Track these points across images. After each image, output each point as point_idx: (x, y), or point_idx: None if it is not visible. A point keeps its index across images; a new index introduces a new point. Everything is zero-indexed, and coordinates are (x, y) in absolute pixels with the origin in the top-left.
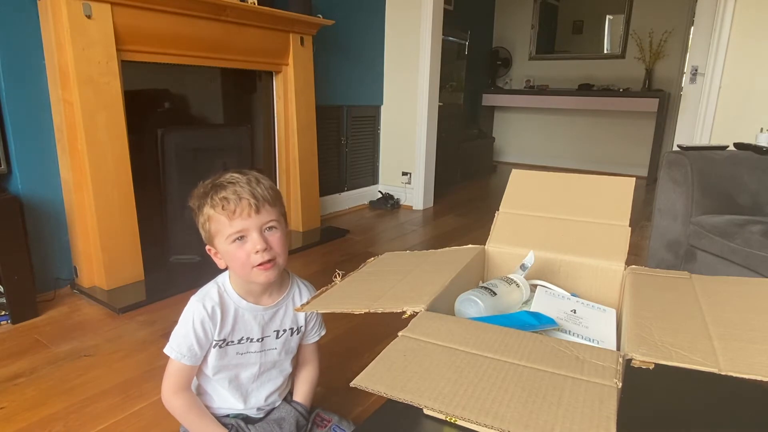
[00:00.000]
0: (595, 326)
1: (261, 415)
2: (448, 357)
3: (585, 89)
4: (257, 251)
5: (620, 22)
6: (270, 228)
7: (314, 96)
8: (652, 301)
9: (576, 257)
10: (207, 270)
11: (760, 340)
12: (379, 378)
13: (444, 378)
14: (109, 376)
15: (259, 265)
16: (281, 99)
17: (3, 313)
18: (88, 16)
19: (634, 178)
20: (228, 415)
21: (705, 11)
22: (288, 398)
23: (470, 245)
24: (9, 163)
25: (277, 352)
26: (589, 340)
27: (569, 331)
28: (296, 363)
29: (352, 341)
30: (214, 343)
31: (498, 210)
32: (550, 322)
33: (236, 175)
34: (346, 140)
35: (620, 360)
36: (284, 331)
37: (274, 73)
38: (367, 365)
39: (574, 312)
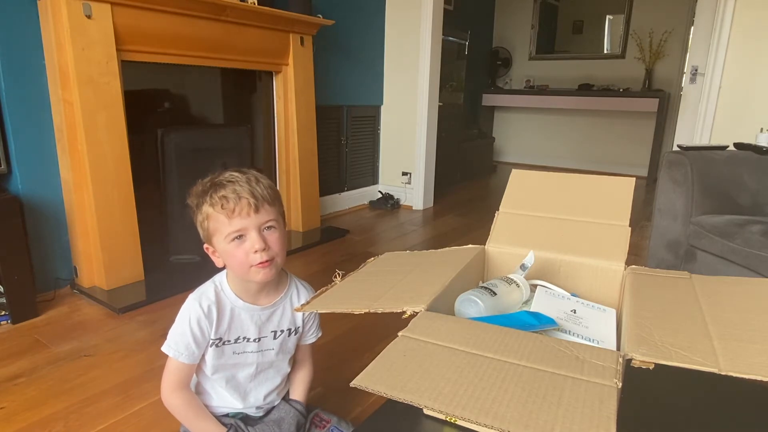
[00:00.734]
0: (595, 326)
1: (260, 414)
2: (448, 357)
3: (585, 89)
4: (256, 251)
5: (620, 22)
6: (269, 227)
7: (314, 96)
8: (652, 301)
9: (576, 257)
10: (207, 270)
11: (760, 340)
12: (379, 378)
13: (444, 378)
14: (109, 376)
15: (257, 264)
16: (281, 99)
17: (3, 313)
18: (88, 16)
19: (634, 178)
20: (227, 414)
21: (705, 11)
22: (286, 397)
23: (470, 245)
24: (9, 163)
25: (274, 353)
26: (589, 340)
27: (569, 331)
28: (293, 363)
29: (352, 341)
30: (211, 341)
31: (498, 210)
32: (550, 322)
33: (236, 173)
34: (346, 140)
35: (620, 360)
36: (281, 331)
37: (274, 73)
38: (367, 365)
39: (574, 312)
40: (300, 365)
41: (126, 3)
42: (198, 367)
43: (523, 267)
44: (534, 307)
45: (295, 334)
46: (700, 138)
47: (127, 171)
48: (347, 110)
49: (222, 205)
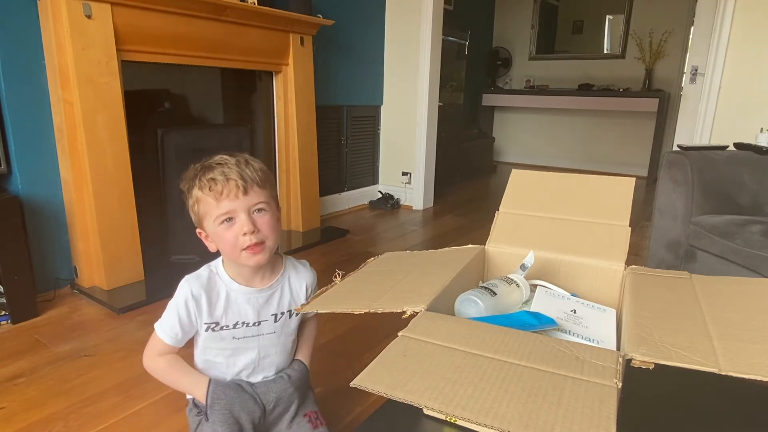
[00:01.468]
0: (595, 326)
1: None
2: (448, 357)
3: (585, 89)
4: (245, 233)
5: (620, 22)
6: (259, 210)
7: (314, 96)
8: (652, 301)
9: (576, 257)
10: None
11: (760, 340)
12: (379, 378)
13: (444, 378)
14: (109, 376)
15: (248, 248)
16: (281, 99)
17: (3, 313)
18: (88, 16)
19: (634, 178)
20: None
21: (705, 11)
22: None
23: (470, 245)
24: (9, 163)
25: (275, 336)
26: (589, 340)
27: (569, 331)
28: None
29: (352, 341)
30: (205, 326)
31: (498, 210)
32: (550, 322)
33: (225, 156)
34: (346, 140)
35: (620, 360)
36: (282, 314)
37: (274, 73)
38: (367, 365)
39: (574, 312)
40: (303, 325)
41: (126, 3)
42: (200, 354)
43: (523, 267)
44: (534, 307)
45: (297, 315)
46: (700, 138)
47: (127, 171)
48: (347, 110)
49: (210, 187)
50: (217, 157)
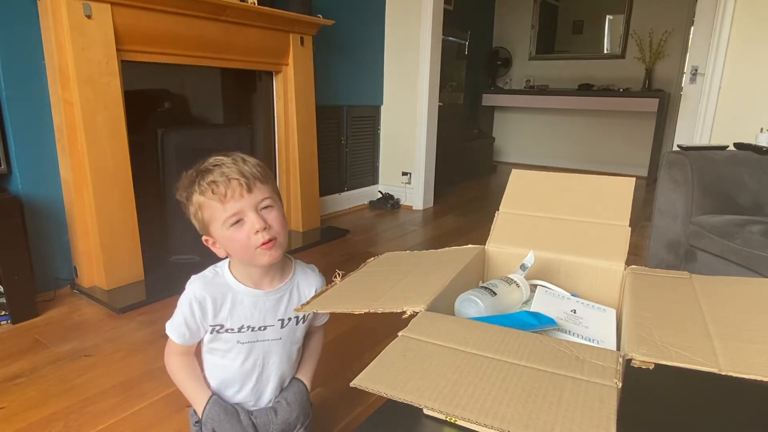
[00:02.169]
0: (595, 326)
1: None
2: (448, 357)
3: (585, 89)
4: (257, 231)
5: (620, 22)
6: (265, 207)
7: (314, 96)
8: (652, 301)
9: (576, 257)
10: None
11: (760, 340)
12: (379, 378)
13: (444, 378)
14: (109, 376)
15: (261, 245)
16: (281, 99)
17: (3, 313)
18: (88, 16)
19: (634, 178)
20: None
21: (705, 11)
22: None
23: (470, 245)
24: (9, 163)
25: (281, 343)
26: (589, 340)
27: (569, 331)
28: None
29: (352, 341)
30: (210, 328)
31: (498, 210)
32: (550, 322)
33: (220, 157)
34: (346, 140)
35: (620, 360)
36: (289, 319)
37: (274, 73)
38: (367, 365)
39: (574, 312)
40: (309, 337)
41: (126, 3)
42: (205, 355)
43: (523, 267)
44: (534, 307)
45: (304, 323)
46: (700, 138)
47: (127, 171)
48: (347, 110)
49: (212, 191)
50: (212, 159)
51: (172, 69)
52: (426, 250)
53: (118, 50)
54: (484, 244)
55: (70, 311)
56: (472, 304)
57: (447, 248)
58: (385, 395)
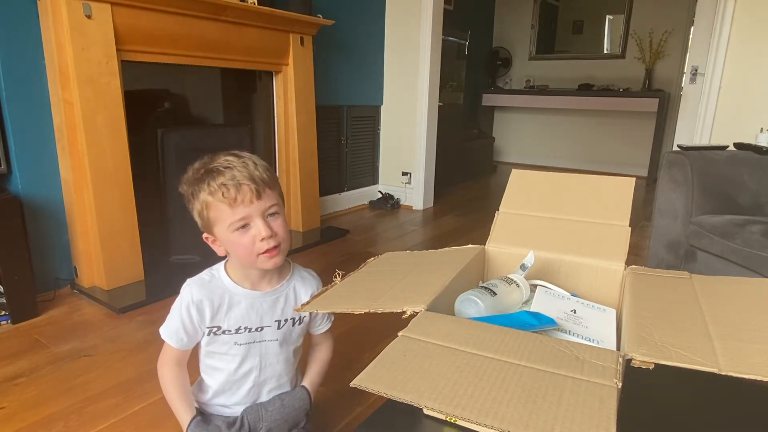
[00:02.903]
0: (595, 326)
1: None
2: (448, 357)
3: (585, 89)
4: (263, 238)
5: (620, 22)
6: (272, 213)
7: (314, 96)
8: (652, 301)
9: (576, 257)
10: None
11: (760, 340)
12: (379, 378)
13: (444, 378)
14: (109, 376)
15: (265, 252)
16: (281, 99)
17: (3, 313)
18: (88, 16)
19: (634, 178)
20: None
21: (705, 11)
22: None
23: (470, 245)
24: (9, 163)
25: (278, 344)
26: (589, 340)
27: (569, 331)
28: (309, 350)
29: (352, 341)
30: (207, 330)
31: (498, 210)
32: (550, 322)
33: (230, 158)
34: (346, 140)
35: (620, 360)
36: (286, 321)
37: (274, 73)
38: (367, 365)
39: (574, 312)
40: (317, 346)
41: (126, 3)
42: (203, 359)
43: (523, 267)
44: (534, 307)
45: (299, 324)
46: (700, 138)
47: (127, 171)
48: (347, 110)
49: (223, 194)
50: (222, 160)
51: (172, 69)
52: (426, 250)
53: (118, 50)
54: (484, 244)
55: (70, 311)
56: (472, 304)
57: (447, 248)
58: (385, 395)
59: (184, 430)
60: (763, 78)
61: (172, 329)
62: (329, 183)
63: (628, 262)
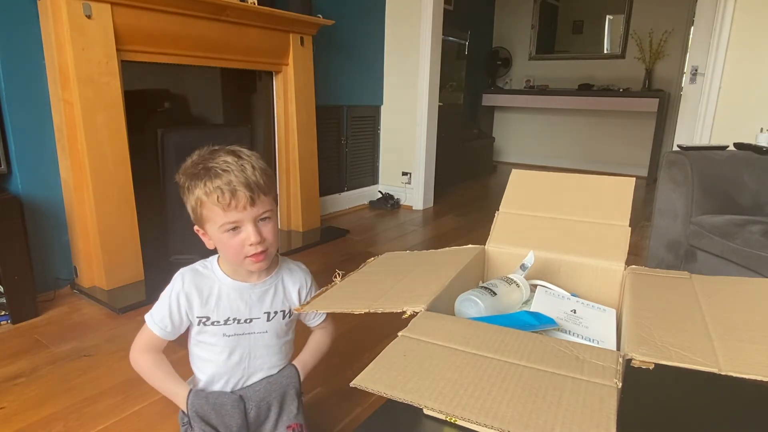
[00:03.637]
0: (595, 326)
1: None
2: (448, 357)
3: (585, 89)
4: (252, 244)
5: (620, 22)
6: (263, 219)
7: (314, 96)
8: (652, 301)
9: (576, 257)
10: None
11: (760, 340)
12: (379, 378)
13: (444, 378)
14: (109, 376)
15: (252, 255)
16: (281, 99)
17: (3, 313)
18: (88, 16)
19: (634, 178)
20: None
21: (705, 11)
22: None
23: (470, 245)
24: (9, 163)
25: (267, 336)
26: (589, 340)
27: (569, 331)
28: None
29: (352, 341)
30: (197, 320)
31: (498, 210)
32: (550, 322)
33: (229, 159)
34: (346, 140)
35: (620, 360)
36: (275, 313)
37: (274, 73)
38: (367, 365)
39: (574, 312)
40: (315, 333)
41: (126, 3)
42: (192, 349)
43: (523, 267)
44: (534, 307)
45: (290, 317)
46: (700, 138)
47: (127, 171)
48: (347, 110)
49: (218, 198)
50: (221, 160)
51: (172, 69)
52: (426, 250)
53: (118, 50)
54: (484, 244)
55: (70, 311)
56: (472, 304)
57: (447, 248)
58: (385, 395)
59: (184, 403)
60: (763, 78)
61: (159, 317)
62: (329, 183)
63: (628, 262)
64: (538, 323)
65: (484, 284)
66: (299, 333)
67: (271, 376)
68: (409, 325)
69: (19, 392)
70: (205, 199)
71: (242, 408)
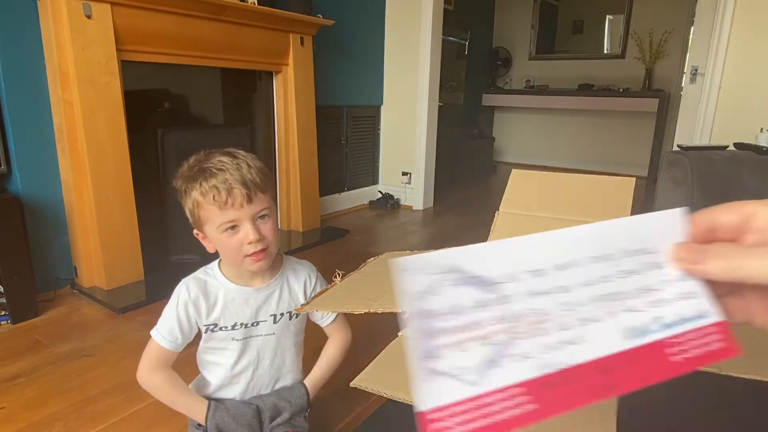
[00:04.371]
0: None
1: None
2: None
3: (585, 89)
4: (250, 242)
5: (620, 22)
6: (262, 216)
7: (314, 96)
8: None
9: None
10: None
11: (760, 340)
12: (379, 378)
13: None
14: (109, 376)
15: (252, 254)
16: (281, 99)
17: (3, 313)
18: (88, 16)
19: (634, 178)
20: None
21: (705, 11)
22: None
23: None
24: (9, 163)
25: (275, 338)
26: None
27: None
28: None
29: (352, 341)
30: (204, 328)
31: (498, 210)
32: None
33: (224, 159)
34: (346, 140)
35: None
36: (281, 315)
37: (274, 73)
38: (367, 365)
39: None
40: (328, 342)
41: (126, 3)
42: (200, 355)
43: None
44: None
45: (296, 317)
46: (700, 138)
47: (127, 171)
48: (347, 110)
49: (214, 197)
50: (216, 160)
51: (172, 69)
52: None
53: (118, 50)
54: None
55: (70, 311)
56: None
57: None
58: (385, 395)
59: (203, 416)
60: (763, 78)
61: (167, 329)
62: (329, 183)
63: None
64: None
65: None
66: (310, 333)
67: (282, 392)
68: None
69: (19, 392)
70: (202, 200)
71: (259, 418)
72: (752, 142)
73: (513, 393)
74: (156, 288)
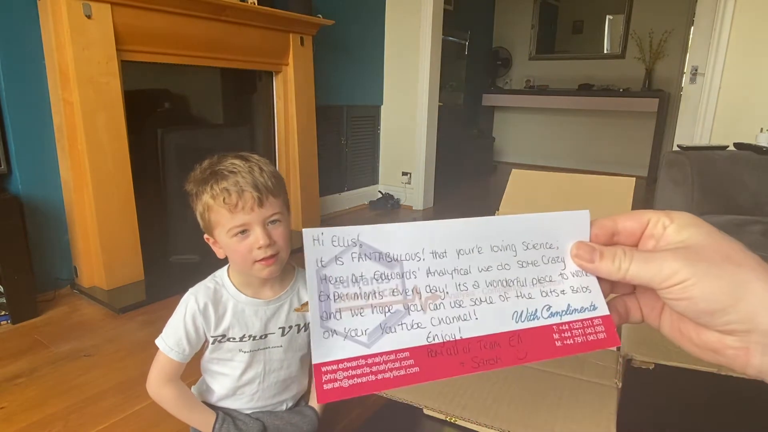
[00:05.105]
0: None
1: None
2: None
3: (585, 89)
4: (260, 247)
5: (620, 22)
6: (273, 221)
7: (314, 96)
8: None
9: None
10: (207, 270)
11: None
12: None
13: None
14: (109, 376)
15: (262, 260)
16: (281, 99)
17: (3, 313)
18: (88, 16)
19: (634, 178)
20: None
21: (705, 11)
22: (302, 403)
23: None
24: (9, 163)
25: (282, 350)
26: None
27: None
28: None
29: None
30: (212, 339)
31: (498, 210)
32: None
33: (237, 162)
34: (346, 140)
35: (620, 360)
36: (290, 327)
37: (274, 73)
38: None
39: None
40: None
41: (126, 3)
42: (206, 366)
43: None
44: None
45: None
46: (700, 138)
47: (127, 171)
48: (347, 110)
49: (224, 199)
50: (228, 163)
51: (172, 69)
52: None
53: (118, 50)
54: None
55: (70, 311)
56: None
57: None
58: (385, 395)
59: (210, 429)
60: (763, 78)
61: (174, 341)
62: (329, 183)
63: None
64: None
65: None
66: None
67: (292, 416)
68: None
69: (19, 392)
70: (212, 203)
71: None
72: (752, 142)
73: (399, 357)
74: (156, 288)
